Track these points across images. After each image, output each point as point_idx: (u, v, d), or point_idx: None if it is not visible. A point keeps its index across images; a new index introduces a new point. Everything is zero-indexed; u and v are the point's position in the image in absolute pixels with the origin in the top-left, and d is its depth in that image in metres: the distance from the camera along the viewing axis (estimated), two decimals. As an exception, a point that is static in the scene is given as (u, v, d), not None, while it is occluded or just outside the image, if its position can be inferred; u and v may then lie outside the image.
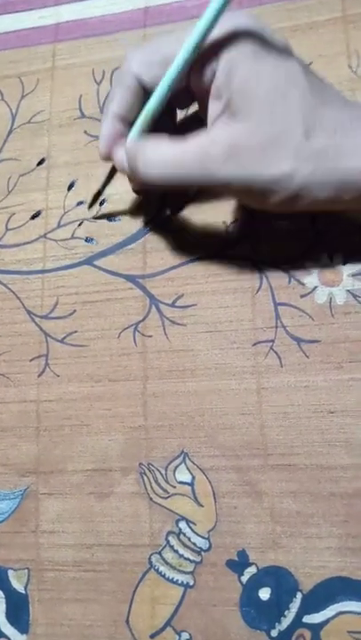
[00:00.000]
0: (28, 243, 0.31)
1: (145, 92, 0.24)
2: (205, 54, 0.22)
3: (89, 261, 0.30)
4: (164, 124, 0.25)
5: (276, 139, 0.21)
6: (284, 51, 0.22)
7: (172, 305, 0.29)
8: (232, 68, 0.22)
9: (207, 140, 0.22)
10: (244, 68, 0.21)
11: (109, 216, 0.30)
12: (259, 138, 0.21)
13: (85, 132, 0.32)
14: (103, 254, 0.30)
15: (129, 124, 0.25)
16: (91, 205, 0.30)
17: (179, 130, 0.25)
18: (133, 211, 0.30)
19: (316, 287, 0.27)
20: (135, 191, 0.29)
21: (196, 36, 0.21)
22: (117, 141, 0.25)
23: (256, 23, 0.22)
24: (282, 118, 0.21)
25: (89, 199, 0.30)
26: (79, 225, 0.31)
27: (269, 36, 0.22)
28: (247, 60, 0.22)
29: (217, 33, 0.22)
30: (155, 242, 0.30)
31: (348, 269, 0.27)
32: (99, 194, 0.29)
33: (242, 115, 0.22)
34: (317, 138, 0.21)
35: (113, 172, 0.28)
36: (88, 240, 0.30)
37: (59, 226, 0.31)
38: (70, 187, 0.31)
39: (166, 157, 0.23)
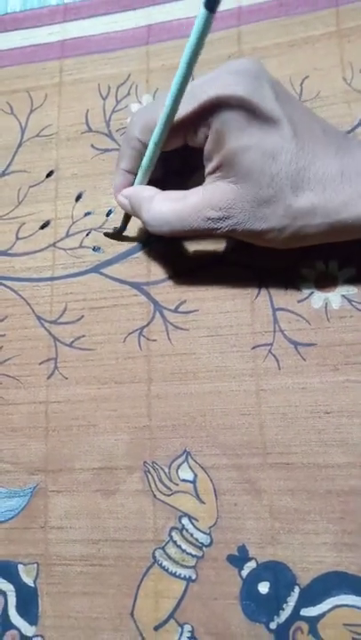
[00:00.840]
0: (37, 251, 0.32)
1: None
2: (196, 119, 0.24)
3: (96, 269, 0.31)
4: (172, 162, 0.29)
5: (266, 200, 0.23)
6: (273, 115, 0.23)
7: (175, 310, 0.30)
8: (221, 137, 0.23)
9: (203, 203, 0.24)
10: (232, 138, 0.23)
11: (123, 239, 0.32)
12: (249, 199, 0.23)
13: (92, 145, 0.33)
14: (109, 263, 0.31)
15: (135, 175, 0.28)
16: (117, 237, 0.32)
17: (188, 161, 0.29)
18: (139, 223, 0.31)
19: (312, 292, 0.28)
20: None
21: (170, 98, 0.23)
22: (119, 193, 0.29)
23: (247, 84, 0.23)
24: (270, 181, 0.23)
25: (112, 230, 0.32)
26: (87, 235, 0.32)
27: (259, 102, 0.23)
28: (235, 131, 0.23)
29: (206, 98, 0.23)
30: (158, 251, 0.31)
31: (343, 275, 0.28)
32: (121, 231, 0.31)
33: (232, 178, 0.24)
34: (306, 197, 0.23)
35: (127, 217, 0.31)
36: (95, 249, 0.32)
37: (67, 235, 0.32)
38: (78, 198, 0.33)
39: (168, 214, 0.25)
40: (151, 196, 0.26)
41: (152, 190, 0.27)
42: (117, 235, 0.31)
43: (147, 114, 0.26)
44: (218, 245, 0.30)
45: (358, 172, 0.23)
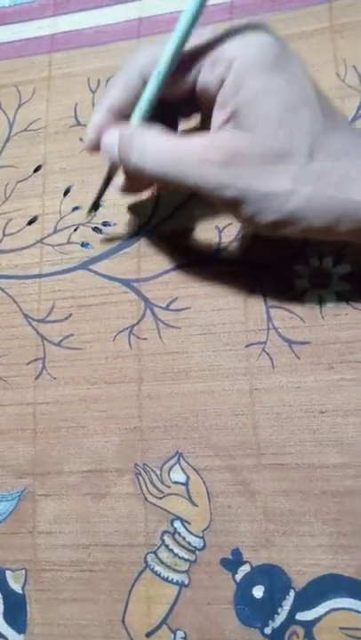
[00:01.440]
0: (24, 248, 0.32)
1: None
2: (215, 60, 0.21)
3: (85, 266, 0.31)
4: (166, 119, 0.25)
5: (279, 154, 0.20)
6: (299, 67, 0.21)
7: (167, 308, 0.29)
8: (241, 79, 0.21)
9: (209, 142, 0.21)
10: (255, 81, 0.21)
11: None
12: (261, 149, 0.21)
13: (81, 139, 0.33)
14: (98, 259, 0.31)
15: (121, 118, 0.24)
16: (89, 213, 0.31)
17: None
18: (128, 217, 0.31)
19: (306, 290, 0.28)
20: (124, 191, 0.29)
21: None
22: (107, 130, 0.24)
23: (273, 34, 0.21)
24: (288, 135, 0.20)
25: (86, 207, 0.31)
26: (75, 230, 0.31)
27: (285, 49, 0.21)
28: (258, 73, 0.21)
29: (229, 39, 0.21)
30: (149, 246, 0.30)
31: (337, 272, 0.28)
32: (97, 202, 0.30)
33: (247, 123, 0.21)
34: (321, 161, 0.20)
35: (109, 178, 0.29)
36: (84, 245, 0.31)
37: (55, 231, 0.31)
38: (66, 192, 0.32)
39: (165, 150, 0.22)
40: (146, 132, 0.23)
41: (147, 126, 0.23)
42: (94, 206, 0.30)
43: (156, 48, 0.22)
44: (211, 241, 0.29)
45: None
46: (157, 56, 0.22)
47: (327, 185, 0.20)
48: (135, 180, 0.27)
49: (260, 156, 0.21)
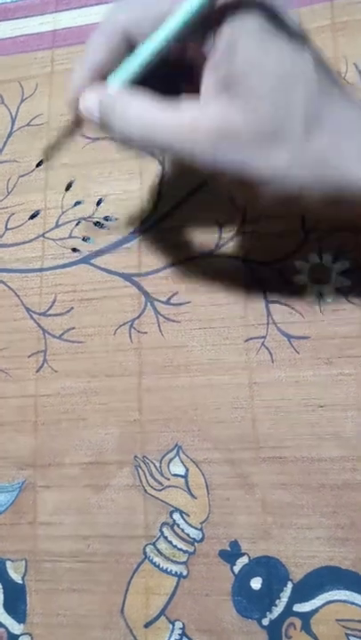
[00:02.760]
0: (26, 242, 0.32)
1: (129, 49, 0.21)
2: (209, 19, 0.20)
3: (86, 260, 0.31)
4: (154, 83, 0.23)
5: (275, 131, 0.19)
6: (297, 35, 0.20)
7: (167, 302, 0.29)
8: (235, 42, 0.19)
9: (200, 115, 0.20)
10: (249, 45, 0.19)
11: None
12: (255, 126, 0.19)
13: (83, 134, 0.33)
14: (100, 253, 0.31)
15: (102, 79, 0.22)
16: (47, 154, 0.30)
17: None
18: (129, 211, 0.31)
19: (306, 285, 0.28)
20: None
21: None
22: (87, 91, 0.22)
23: (275, 2, 0.20)
24: (284, 110, 0.19)
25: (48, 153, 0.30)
26: (77, 224, 0.31)
27: (284, 15, 0.20)
28: (254, 37, 0.19)
29: (229, 3, 0.19)
30: (150, 241, 0.30)
31: (337, 268, 0.28)
32: (56, 145, 0.29)
33: (239, 96, 0.19)
34: (319, 137, 0.19)
35: (75, 124, 0.26)
36: (85, 239, 0.31)
37: (57, 225, 0.32)
38: (68, 187, 0.32)
39: (151, 119, 0.20)
40: (131, 96, 0.21)
41: (131, 91, 0.21)
42: (55, 146, 0.29)
43: (138, 4, 0.21)
44: (212, 236, 0.30)
45: None
46: (144, 12, 0.21)
47: (325, 161, 0.20)
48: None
49: (254, 133, 0.20)
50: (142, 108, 0.21)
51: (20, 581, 0.28)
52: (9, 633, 0.27)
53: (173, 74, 0.22)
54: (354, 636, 0.24)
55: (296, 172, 0.20)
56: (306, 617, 0.25)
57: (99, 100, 0.21)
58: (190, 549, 0.26)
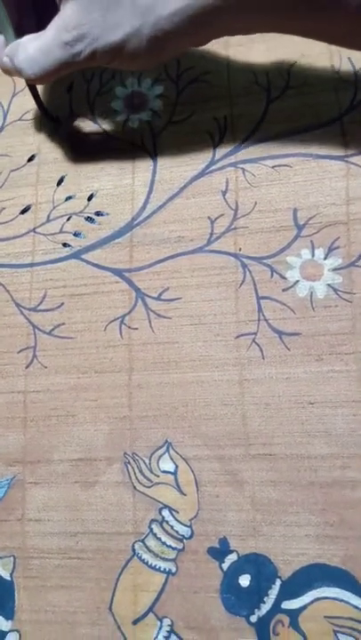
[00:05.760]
0: (17, 237, 0.32)
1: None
2: None
3: (77, 255, 0.31)
4: (30, 27, 0.28)
5: (109, 9, 0.24)
6: None
7: (158, 298, 0.29)
8: None
9: (57, 28, 0.25)
10: None
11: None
12: (96, 9, 0.24)
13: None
14: (91, 248, 0.31)
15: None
16: (53, 123, 0.33)
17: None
18: (120, 207, 0.31)
19: (297, 281, 0.28)
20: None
21: None
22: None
23: None
24: None
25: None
26: (68, 220, 0.31)
27: None
28: None
29: None
30: (141, 237, 0.30)
31: (328, 264, 0.28)
32: (47, 112, 0.32)
33: None
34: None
35: (34, 91, 0.31)
36: (76, 234, 0.31)
37: (48, 220, 0.31)
38: (60, 182, 0.32)
39: (35, 52, 0.26)
40: (21, 43, 0.26)
41: (23, 38, 0.27)
42: (51, 118, 0.32)
43: None
44: (203, 232, 0.29)
45: None
46: None
47: (150, 14, 0.24)
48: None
49: (99, 15, 0.24)
50: (26, 47, 0.26)
51: (9, 578, 0.27)
52: (-3, 629, 0.27)
53: (41, 10, 0.27)
54: (342, 632, 0.24)
55: (136, 27, 0.24)
56: (294, 614, 0.25)
57: (8, 59, 0.27)
58: (179, 546, 0.26)
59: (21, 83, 0.34)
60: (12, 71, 0.27)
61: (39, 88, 0.32)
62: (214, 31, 0.25)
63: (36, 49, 0.26)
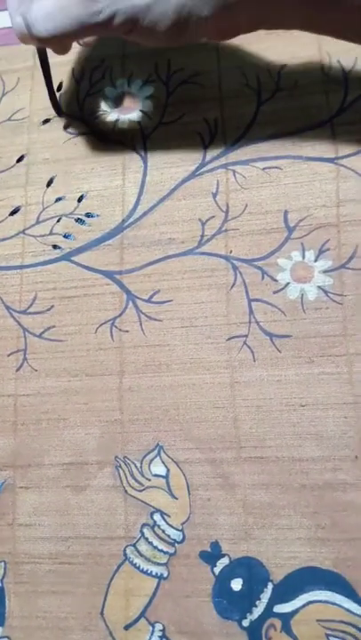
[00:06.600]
0: (6, 239, 0.31)
1: None
2: None
3: (67, 257, 0.30)
4: None
5: None
6: None
7: (149, 301, 0.29)
8: None
9: None
10: None
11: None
12: None
13: (65, 129, 0.32)
14: (81, 250, 0.30)
15: None
16: (60, 113, 0.32)
17: None
18: (111, 208, 0.31)
19: (288, 283, 0.28)
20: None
21: None
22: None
23: None
24: None
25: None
26: (58, 221, 0.31)
27: None
28: None
29: None
30: (132, 238, 0.30)
31: (319, 266, 0.28)
32: (55, 100, 0.32)
33: None
34: None
35: (46, 68, 0.30)
36: (66, 236, 0.31)
37: (37, 222, 0.31)
38: (49, 183, 0.32)
39: (52, 6, 0.24)
40: (33, 4, 0.24)
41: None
42: (57, 107, 0.32)
43: None
44: (194, 234, 0.29)
45: None
46: None
47: None
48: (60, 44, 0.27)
49: None
50: (41, 6, 0.24)
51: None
52: (-13, 636, 0.27)
53: None
54: (334, 636, 0.24)
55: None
56: (286, 618, 0.25)
57: (21, 19, 0.25)
58: (171, 550, 0.26)
59: (11, 81, 0.34)
60: (25, 36, 0.25)
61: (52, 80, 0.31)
62: (240, 20, 0.24)
63: (53, 2, 0.24)
